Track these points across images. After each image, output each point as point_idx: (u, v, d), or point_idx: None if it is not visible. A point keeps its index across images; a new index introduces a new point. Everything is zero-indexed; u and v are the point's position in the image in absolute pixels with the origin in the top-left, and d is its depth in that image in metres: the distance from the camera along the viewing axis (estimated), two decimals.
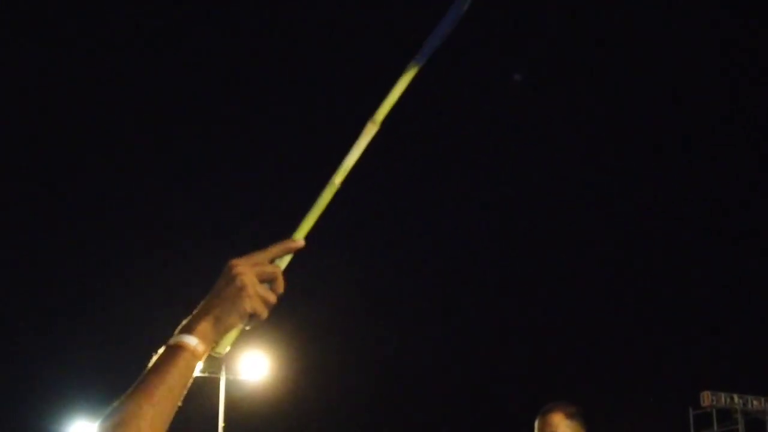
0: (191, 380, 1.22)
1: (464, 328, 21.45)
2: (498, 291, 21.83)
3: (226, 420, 15.10)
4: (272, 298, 1.27)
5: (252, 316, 1.26)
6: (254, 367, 15.62)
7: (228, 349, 1.28)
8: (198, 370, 1.22)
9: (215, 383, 15.30)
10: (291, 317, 15.72)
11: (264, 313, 1.27)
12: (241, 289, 1.24)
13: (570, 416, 2.60)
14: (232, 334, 1.27)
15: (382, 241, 20.26)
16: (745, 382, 19.26)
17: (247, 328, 1.29)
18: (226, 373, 15.32)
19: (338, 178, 1.38)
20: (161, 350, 1.21)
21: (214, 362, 14.68)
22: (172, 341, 1.22)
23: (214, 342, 1.24)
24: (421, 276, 21.52)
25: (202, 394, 15.75)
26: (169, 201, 23.28)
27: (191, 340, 1.21)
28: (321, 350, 19.72)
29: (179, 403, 1.20)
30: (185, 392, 1.21)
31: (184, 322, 1.24)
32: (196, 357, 1.21)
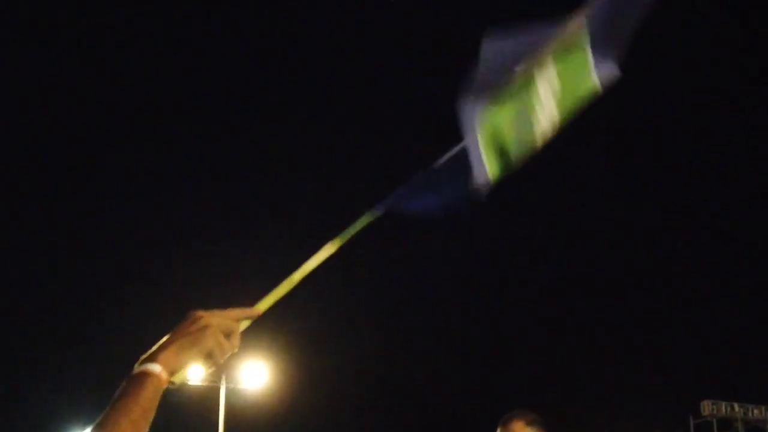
0: (157, 405, 1.32)
1: (465, 335, 21.43)
2: (498, 299, 21.81)
3: (226, 429, 15.07)
4: (229, 348, 1.38)
5: (209, 357, 1.37)
6: (254, 375, 15.60)
7: (183, 380, 1.38)
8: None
9: (215, 392, 15.29)
10: (290, 326, 15.72)
11: (220, 358, 1.38)
12: (205, 328, 1.36)
13: (530, 423, 2.68)
14: (188, 368, 1.38)
15: (382, 251, 20.26)
16: (746, 391, 19.25)
17: (208, 368, 1.41)
18: (227, 382, 15.30)
19: (297, 276, 1.58)
20: (129, 378, 1.31)
21: (215, 371, 14.65)
22: (137, 369, 1.32)
23: (174, 372, 1.34)
24: (421, 285, 21.51)
25: (202, 402, 15.74)
26: (161, 228, 23.30)
27: (156, 368, 1.31)
28: (320, 358, 19.71)
29: (148, 428, 1.29)
30: (153, 416, 1.30)
31: (146, 355, 1.34)
32: (161, 383, 1.31)
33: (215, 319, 1.38)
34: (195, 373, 14.77)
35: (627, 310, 23.31)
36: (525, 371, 20.97)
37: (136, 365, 1.33)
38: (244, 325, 1.44)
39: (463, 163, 1.91)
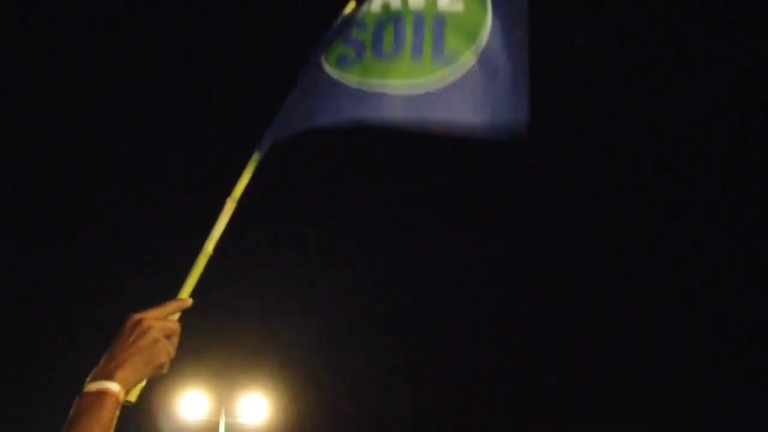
0: (114, 425, 1.30)
1: (473, 372, 21.25)
2: (500, 322, 21.54)
3: None
4: (173, 352, 1.41)
5: (161, 368, 1.39)
6: (254, 410, 15.46)
7: (136, 398, 1.39)
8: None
9: (214, 428, 15.14)
10: (290, 359, 15.59)
11: (168, 365, 1.40)
12: (156, 341, 1.36)
13: None
14: (142, 384, 1.39)
15: (386, 283, 20.17)
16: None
17: (156, 377, 1.43)
18: (226, 417, 15.16)
19: (210, 246, 1.60)
20: (83, 396, 1.28)
21: (213, 406, 14.53)
22: (93, 387, 1.29)
23: (130, 389, 1.34)
24: (427, 319, 21.37)
25: None
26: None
27: (114, 386, 1.29)
28: (321, 392, 19.53)
29: None
30: None
31: (97, 369, 1.31)
32: (119, 402, 1.30)
33: (157, 323, 1.38)
34: (194, 409, 14.63)
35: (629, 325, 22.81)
36: (526, 388, 20.76)
37: (87, 381, 1.30)
38: (176, 318, 1.46)
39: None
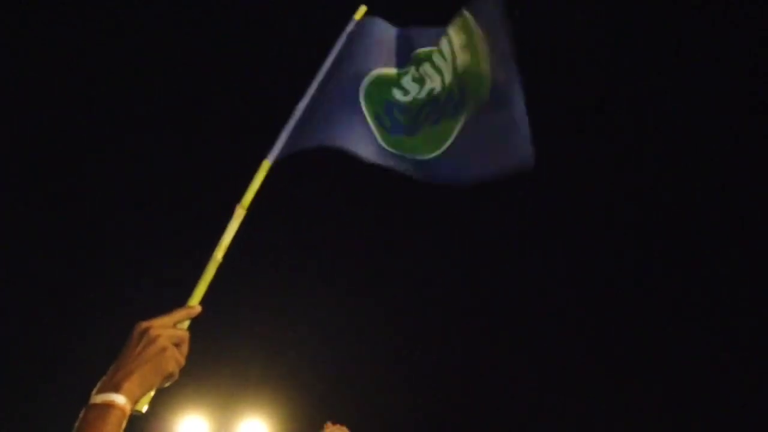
0: None
1: (479, 393, 21.15)
2: (500, 343, 21.52)
3: None
4: (183, 361, 1.38)
5: (170, 377, 1.36)
6: None
7: (146, 407, 1.37)
8: None
9: None
10: (290, 382, 15.52)
11: (177, 374, 1.38)
12: (164, 350, 1.33)
13: None
14: (151, 393, 1.37)
15: (386, 304, 20.11)
16: None
17: (166, 385, 1.40)
18: None
19: (219, 254, 1.61)
20: (90, 408, 1.25)
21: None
22: (99, 399, 1.26)
23: (138, 400, 1.31)
24: (429, 340, 21.29)
25: None
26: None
27: (120, 399, 1.26)
28: (323, 418, 19.34)
29: None
30: None
31: (105, 379, 1.28)
32: (125, 414, 1.27)
33: (165, 331, 1.35)
34: None
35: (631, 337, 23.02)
36: (528, 399, 20.66)
37: (94, 393, 1.27)
38: (185, 326, 1.45)
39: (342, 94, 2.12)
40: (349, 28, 2.25)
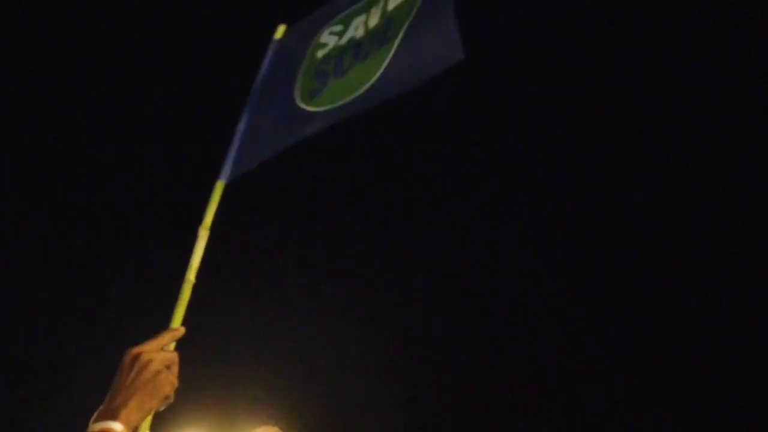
0: None
1: (490, 406, 21.12)
2: (502, 351, 21.51)
3: None
4: (176, 382, 1.38)
5: (165, 400, 1.36)
6: None
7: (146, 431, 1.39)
8: None
9: None
10: (295, 401, 15.53)
11: (173, 396, 1.37)
12: (158, 373, 1.34)
13: None
14: (149, 418, 1.38)
15: (396, 313, 20.11)
16: None
17: (162, 408, 1.40)
18: None
19: (191, 275, 1.61)
20: None
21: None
22: (97, 428, 1.24)
23: (135, 427, 1.30)
24: (439, 354, 21.27)
25: None
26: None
27: (118, 426, 1.25)
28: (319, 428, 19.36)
29: None
30: None
31: (102, 408, 1.27)
32: None
33: (157, 355, 1.35)
34: None
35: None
36: (530, 409, 20.66)
37: (91, 421, 1.26)
38: (172, 348, 1.47)
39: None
40: (271, 50, 2.26)
